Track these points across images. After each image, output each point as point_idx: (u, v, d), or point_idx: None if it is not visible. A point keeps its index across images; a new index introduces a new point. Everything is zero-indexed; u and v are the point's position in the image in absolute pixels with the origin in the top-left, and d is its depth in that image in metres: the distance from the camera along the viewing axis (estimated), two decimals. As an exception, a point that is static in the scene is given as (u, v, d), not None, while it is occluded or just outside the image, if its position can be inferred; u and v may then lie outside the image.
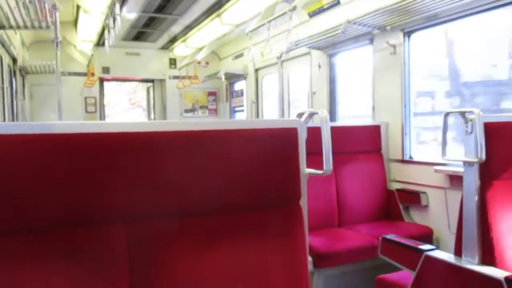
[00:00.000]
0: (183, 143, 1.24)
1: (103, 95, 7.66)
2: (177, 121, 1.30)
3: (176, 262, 1.20)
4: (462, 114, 1.78)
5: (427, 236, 3.20)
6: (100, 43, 6.10)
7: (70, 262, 1.10)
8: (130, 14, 5.31)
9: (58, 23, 3.46)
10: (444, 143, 1.92)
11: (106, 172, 1.14)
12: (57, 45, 3.54)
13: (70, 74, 6.53)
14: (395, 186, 3.67)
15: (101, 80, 7.21)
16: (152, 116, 7.96)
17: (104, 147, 1.14)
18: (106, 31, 3.96)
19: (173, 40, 6.71)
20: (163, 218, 1.21)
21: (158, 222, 1.20)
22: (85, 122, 1.18)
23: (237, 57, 6.81)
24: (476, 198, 1.80)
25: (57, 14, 3.38)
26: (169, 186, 1.22)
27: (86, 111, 6.84)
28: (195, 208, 1.26)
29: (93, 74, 6.64)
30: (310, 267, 2.74)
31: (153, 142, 1.20)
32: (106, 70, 6.94)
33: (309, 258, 2.74)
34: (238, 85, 7.25)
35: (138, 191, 1.18)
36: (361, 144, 3.67)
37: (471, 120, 1.75)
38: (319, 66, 4.76)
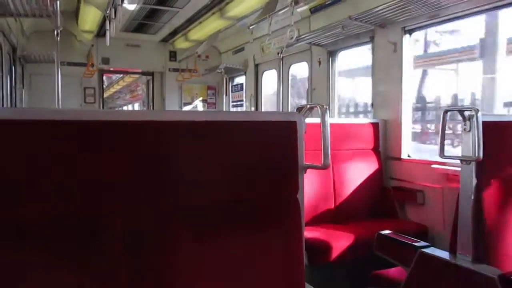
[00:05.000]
0: (182, 133, 1.25)
1: (103, 86, 7.64)
2: (177, 110, 1.30)
3: (172, 252, 1.21)
4: (461, 112, 1.79)
5: (422, 233, 3.21)
6: (100, 33, 6.07)
7: (68, 251, 1.11)
8: (131, 6, 5.29)
9: (59, 12, 3.45)
10: (442, 140, 1.93)
11: (106, 161, 1.14)
12: (57, 35, 3.53)
13: (69, 64, 6.50)
14: (392, 183, 3.68)
15: (101, 71, 7.19)
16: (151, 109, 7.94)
17: (102, 135, 1.14)
18: (107, 22, 3.94)
19: (174, 33, 6.68)
20: (160, 208, 1.22)
21: (155, 212, 1.21)
22: (85, 110, 1.19)
23: (237, 51, 6.79)
24: (472, 196, 1.81)
25: (58, 3, 3.36)
26: (167, 176, 1.22)
27: (85, 102, 6.82)
28: (192, 199, 1.26)
29: (92, 65, 6.62)
30: (305, 261, 2.77)
31: (153, 131, 1.21)
32: (106, 61, 6.91)
33: (305, 253, 2.75)
34: (238, 80, 7.24)
35: (136, 180, 1.18)
36: (359, 141, 3.68)
37: (469, 118, 1.76)
38: (319, 63, 4.75)
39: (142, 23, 6.25)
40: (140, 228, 1.18)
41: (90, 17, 5.27)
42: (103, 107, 7.57)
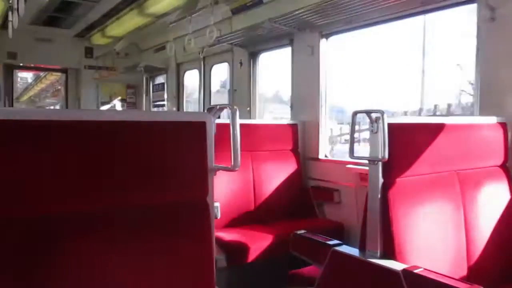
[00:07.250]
0: (90, 133, 1.20)
1: (11, 83, 7.02)
2: (84, 109, 1.26)
3: (78, 256, 1.16)
4: (369, 114, 1.86)
5: (338, 231, 3.33)
6: (5, 25, 5.57)
7: None
8: (39, -4, 4.92)
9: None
10: (352, 141, 1.99)
11: (8, 162, 1.07)
12: None
13: None
14: (310, 183, 3.78)
15: (8, 67, 6.60)
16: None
17: (7, 134, 1.08)
18: (9, 13, 3.62)
19: (90, 28, 6.32)
20: (66, 212, 1.16)
21: (61, 216, 1.15)
22: None
23: (158, 50, 6.60)
24: (379, 194, 1.89)
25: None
26: (73, 178, 1.16)
27: (-13, 100, 6.25)
28: (99, 202, 1.21)
29: (-4, 60, 6.08)
30: (223, 263, 2.74)
31: (59, 131, 1.15)
32: (12, 55, 6.35)
33: (223, 255, 2.73)
34: (160, 79, 7.04)
35: (41, 183, 1.11)
36: (279, 142, 3.73)
37: (376, 120, 1.83)
38: (241, 64, 4.76)
39: (53, 16, 5.83)
40: (48, 231, 1.13)
41: (-9, 7, 4.82)
42: (12, 105, 6.98)
